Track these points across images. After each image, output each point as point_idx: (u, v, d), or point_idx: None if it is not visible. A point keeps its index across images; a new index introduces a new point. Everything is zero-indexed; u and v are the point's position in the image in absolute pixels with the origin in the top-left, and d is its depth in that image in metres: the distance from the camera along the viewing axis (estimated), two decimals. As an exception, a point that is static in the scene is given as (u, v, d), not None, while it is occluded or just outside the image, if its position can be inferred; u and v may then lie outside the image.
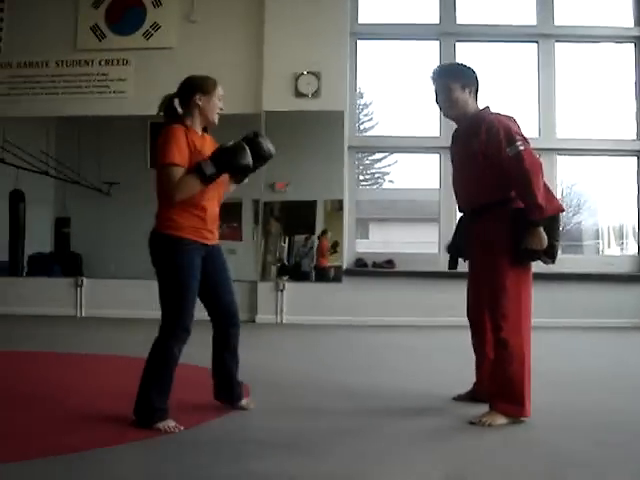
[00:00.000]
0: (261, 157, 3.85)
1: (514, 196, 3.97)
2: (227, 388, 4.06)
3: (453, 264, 4.37)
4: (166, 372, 3.67)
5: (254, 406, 4.11)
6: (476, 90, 4.19)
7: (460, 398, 4.41)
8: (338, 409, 4.21)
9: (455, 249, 4.37)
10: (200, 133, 3.92)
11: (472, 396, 4.35)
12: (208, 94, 3.91)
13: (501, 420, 3.83)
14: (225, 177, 3.85)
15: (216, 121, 3.95)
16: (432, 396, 4.54)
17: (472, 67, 4.27)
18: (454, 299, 8.51)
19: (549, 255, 4.03)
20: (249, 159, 3.72)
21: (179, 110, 3.86)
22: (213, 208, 3.85)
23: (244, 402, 4.09)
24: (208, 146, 3.86)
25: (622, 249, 10.60)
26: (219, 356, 4.00)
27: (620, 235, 10.66)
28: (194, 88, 3.90)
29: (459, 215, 4.47)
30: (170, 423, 3.62)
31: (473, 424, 3.82)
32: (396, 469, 3.08)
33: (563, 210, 4.07)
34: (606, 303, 8.64)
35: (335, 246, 9.03)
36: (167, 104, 3.93)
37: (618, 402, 4.46)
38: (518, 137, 3.90)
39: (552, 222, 3.96)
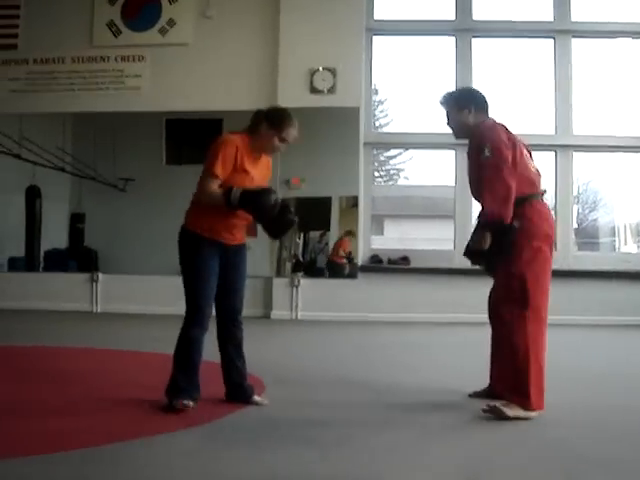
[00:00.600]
0: (282, 225, 4.07)
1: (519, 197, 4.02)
2: (236, 385, 4.15)
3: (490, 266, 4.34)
4: (190, 356, 3.95)
5: (268, 403, 4.12)
6: (479, 106, 4.33)
7: (476, 395, 4.40)
8: (352, 403, 4.21)
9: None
10: (256, 154, 4.07)
11: (489, 393, 4.34)
12: (278, 131, 4.04)
13: (512, 411, 3.85)
14: (248, 216, 4.00)
15: (271, 155, 4.18)
16: (447, 392, 4.53)
17: (472, 88, 4.66)
18: (469, 296, 8.52)
19: (488, 263, 4.17)
20: (270, 205, 3.87)
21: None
22: (236, 221, 4.03)
23: (258, 398, 4.14)
24: (261, 166, 4.10)
25: (639, 246, 10.55)
26: (225, 351, 4.15)
27: (637, 232, 10.61)
28: (267, 117, 4.06)
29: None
30: (190, 404, 3.88)
31: (485, 412, 3.87)
32: (409, 464, 3.07)
33: (505, 222, 3.95)
34: (623, 300, 8.59)
35: (350, 254, 9.03)
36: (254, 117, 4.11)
37: (635, 400, 4.44)
38: (488, 144, 4.02)
39: (502, 233, 3.97)
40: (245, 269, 4.21)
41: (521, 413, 3.85)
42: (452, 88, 4.55)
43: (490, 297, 4.34)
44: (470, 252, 4.13)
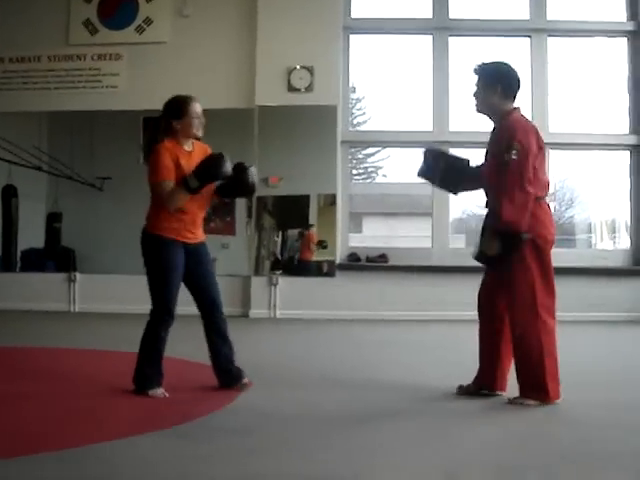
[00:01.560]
0: (245, 186, 4.40)
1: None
2: (225, 371, 4.42)
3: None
4: (155, 349, 4.27)
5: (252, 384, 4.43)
6: (509, 90, 4.31)
7: (462, 390, 4.41)
8: (332, 401, 4.22)
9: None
10: (188, 147, 4.37)
11: (477, 387, 4.37)
12: (182, 117, 4.27)
13: (530, 402, 4.06)
14: (209, 187, 4.31)
15: (199, 134, 4.35)
16: (428, 389, 4.56)
17: (510, 67, 4.41)
18: (448, 293, 8.58)
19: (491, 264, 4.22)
20: (227, 169, 4.19)
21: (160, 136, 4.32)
22: (194, 214, 4.33)
23: (246, 380, 4.44)
24: (197, 155, 4.32)
25: (615, 243, 10.64)
26: (211, 341, 4.43)
27: (612, 229, 10.69)
28: (168, 114, 4.31)
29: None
30: (158, 391, 4.23)
31: (510, 402, 4.11)
32: (391, 463, 3.08)
33: (519, 231, 4.02)
34: (599, 297, 8.66)
35: (322, 242, 9.00)
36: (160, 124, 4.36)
37: (613, 395, 4.48)
38: (517, 145, 4.01)
39: (511, 239, 4.03)
40: (210, 264, 4.54)
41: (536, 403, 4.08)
42: (489, 60, 4.43)
43: (480, 294, 4.38)
44: (482, 257, 4.15)
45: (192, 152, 4.35)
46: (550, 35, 9.38)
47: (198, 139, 4.41)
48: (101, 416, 3.83)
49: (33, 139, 9.68)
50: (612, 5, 9.46)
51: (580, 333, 7.82)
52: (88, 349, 6.17)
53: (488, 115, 4.37)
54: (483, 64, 4.42)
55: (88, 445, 3.23)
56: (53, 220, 9.97)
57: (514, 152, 3.98)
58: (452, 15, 9.42)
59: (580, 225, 12.26)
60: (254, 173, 4.39)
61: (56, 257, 9.86)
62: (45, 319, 8.40)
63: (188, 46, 9.24)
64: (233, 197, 4.59)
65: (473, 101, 4.40)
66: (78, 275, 9.29)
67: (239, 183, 4.36)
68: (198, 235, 4.40)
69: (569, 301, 8.54)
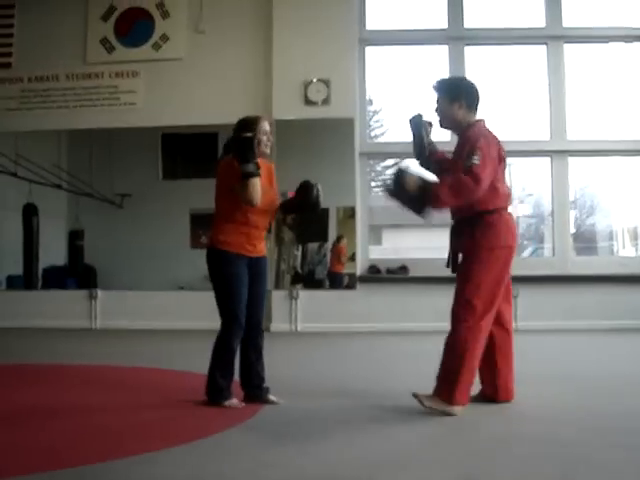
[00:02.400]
0: (310, 204, 4.49)
1: (492, 209, 4.18)
2: (255, 386, 4.50)
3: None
4: (227, 360, 4.36)
5: (282, 402, 4.45)
6: (470, 102, 4.33)
7: (475, 399, 4.40)
8: (353, 413, 4.20)
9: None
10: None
11: (482, 398, 4.36)
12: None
13: (434, 404, 4.08)
14: (275, 204, 4.53)
15: (267, 151, 4.47)
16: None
17: (469, 81, 4.48)
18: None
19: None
20: (318, 198, 4.43)
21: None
22: (260, 228, 4.48)
23: (273, 397, 4.49)
24: (263, 172, 4.35)
25: (637, 250, 10.56)
26: (246, 356, 4.53)
27: (634, 236, 10.61)
28: (239, 132, 4.33)
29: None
30: (234, 401, 4.33)
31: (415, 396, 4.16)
32: (408, 470, 3.06)
33: (434, 204, 4.16)
34: (621, 304, 8.58)
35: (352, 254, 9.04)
36: (225, 145, 4.50)
37: (634, 405, 4.43)
38: (479, 153, 4.06)
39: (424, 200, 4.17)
40: (267, 279, 4.66)
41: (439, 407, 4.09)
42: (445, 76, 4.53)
43: None
44: (395, 190, 4.24)
45: (263, 167, 4.42)
46: (567, 42, 9.36)
47: (265, 157, 4.52)
48: (125, 432, 3.81)
49: (53, 157, 9.78)
50: (628, 10, 9.40)
51: (601, 342, 7.76)
52: (109, 365, 6.16)
53: (452, 129, 4.46)
54: (442, 80, 4.51)
55: (105, 462, 3.21)
56: (75, 238, 10.04)
57: (475, 157, 4.04)
58: (467, 25, 9.41)
59: (601, 232, 12.19)
60: (320, 190, 4.48)
61: (77, 274, 9.92)
62: (66, 336, 8.41)
63: (204, 62, 9.29)
64: (297, 213, 4.68)
65: (436, 117, 4.46)
66: (99, 292, 9.32)
67: (305, 200, 4.48)
68: (260, 249, 4.52)
69: (590, 309, 8.56)
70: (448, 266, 4.52)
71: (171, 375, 5.48)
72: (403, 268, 9.15)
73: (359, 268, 9.09)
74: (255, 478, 2.99)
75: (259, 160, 4.31)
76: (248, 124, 4.37)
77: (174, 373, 5.54)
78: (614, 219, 11.37)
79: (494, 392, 4.35)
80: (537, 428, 3.79)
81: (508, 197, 4.30)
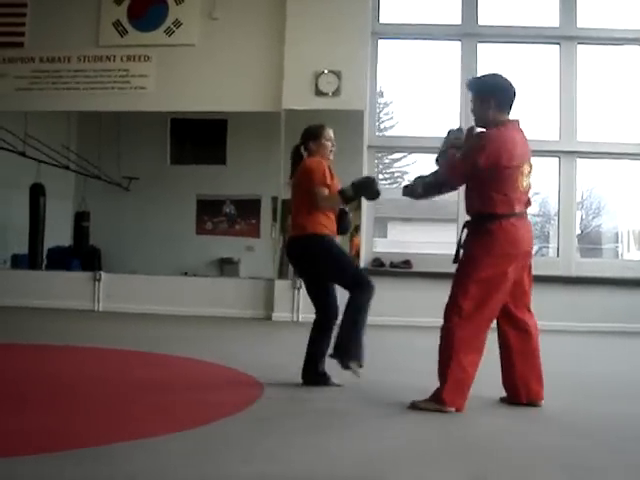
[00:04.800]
0: (372, 193, 5.03)
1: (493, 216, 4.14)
2: (314, 368, 4.92)
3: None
4: (364, 320, 5.00)
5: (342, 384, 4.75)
6: (501, 102, 4.21)
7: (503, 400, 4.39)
8: (353, 404, 4.21)
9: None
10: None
11: (510, 400, 4.34)
12: (318, 139, 5.07)
13: (424, 404, 4.12)
14: (336, 189, 4.95)
15: (330, 157, 5.08)
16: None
17: (502, 78, 4.30)
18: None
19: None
20: (377, 190, 4.98)
21: (304, 155, 5.06)
22: (332, 217, 5.05)
23: (336, 380, 4.83)
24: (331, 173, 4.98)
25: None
26: (314, 337, 5.16)
27: (640, 239, 10.60)
28: (307, 137, 5.13)
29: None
30: (357, 367, 4.69)
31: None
32: (415, 465, 3.07)
33: (444, 179, 4.41)
34: (625, 307, 8.57)
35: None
36: (294, 151, 5.19)
37: (636, 409, 4.43)
38: (469, 152, 4.13)
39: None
40: None
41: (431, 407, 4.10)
42: (480, 74, 4.48)
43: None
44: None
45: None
46: (580, 43, 9.32)
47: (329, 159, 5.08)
48: (113, 416, 3.81)
49: (62, 138, 9.79)
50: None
51: (605, 344, 7.76)
52: (111, 348, 6.18)
53: (482, 127, 4.30)
54: (474, 78, 4.47)
55: (103, 446, 3.21)
56: (81, 219, 10.06)
57: (464, 153, 4.15)
58: (481, 22, 9.39)
59: (607, 234, 12.18)
60: (378, 182, 5.09)
61: (81, 255, 9.94)
62: (69, 317, 8.44)
63: (216, 49, 9.28)
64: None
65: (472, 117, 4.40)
66: (103, 274, 9.33)
67: (368, 190, 4.96)
68: (334, 230, 5.07)
69: (594, 311, 8.55)
70: (455, 261, 4.48)
71: (173, 361, 5.49)
72: (407, 262, 9.16)
73: (363, 261, 9.09)
74: (251, 469, 3.00)
75: (326, 161, 4.96)
76: (315, 129, 5.09)
77: (177, 359, 5.53)
78: (620, 222, 11.36)
79: (515, 394, 4.28)
80: (538, 428, 3.81)
81: (513, 204, 4.14)
